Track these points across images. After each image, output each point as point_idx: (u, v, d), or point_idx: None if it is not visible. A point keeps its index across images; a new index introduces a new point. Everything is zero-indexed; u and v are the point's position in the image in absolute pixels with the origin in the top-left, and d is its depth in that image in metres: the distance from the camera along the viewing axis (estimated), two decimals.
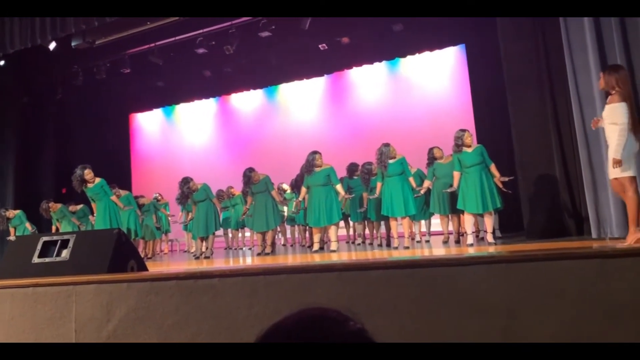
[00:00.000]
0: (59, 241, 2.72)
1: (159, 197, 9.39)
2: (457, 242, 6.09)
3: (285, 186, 8.54)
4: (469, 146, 5.46)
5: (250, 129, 11.64)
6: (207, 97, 12.01)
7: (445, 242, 6.29)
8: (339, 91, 10.89)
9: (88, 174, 6.44)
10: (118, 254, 2.58)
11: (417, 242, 6.65)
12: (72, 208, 8.37)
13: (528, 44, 5.62)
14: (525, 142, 5.65)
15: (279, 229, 8.01)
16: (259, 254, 6.58)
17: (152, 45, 9.50)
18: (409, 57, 9.97)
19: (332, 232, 6.01)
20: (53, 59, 9.36)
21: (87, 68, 9.92)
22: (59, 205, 8.21)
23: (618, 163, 3.45)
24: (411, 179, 5.89)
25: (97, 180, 6.53)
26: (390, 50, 9.71)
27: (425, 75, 9.95)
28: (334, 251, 5.80)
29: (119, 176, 10.64)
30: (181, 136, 12.48)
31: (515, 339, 1.74)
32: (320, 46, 9.63)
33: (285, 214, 8.26)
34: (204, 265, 5.47)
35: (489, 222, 5.41)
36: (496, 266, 1.89)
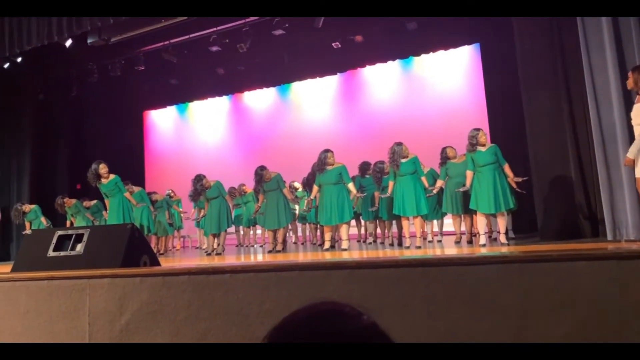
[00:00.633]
0: (74, 235, 2.76)
1: (172, 194, 9.47)
2: (470, 242, 6.04)
3: (297, 184, 8.55)
4: (483, 145, 5.41)
5: (262, 127, 11.68)
6: (220, 95, 12.07)
7: (458, 242, 6.25)
8: (352, 90, 10.87)
9: (103, 168, 6.50)
10: (131, 248, 2.61)
11: (429, 242, 6.61)
12: (86, 204, 8.47)
13: (544, 43, 5.55)
14: (540, 142, 5.59)
15: (290, 227, 8.03)
16: (270, 252, 6.60)
17: (166, 43, 9.56)
18: (423, 55, 9.92)
19: (343, 230, 6.00)
20: (69, 56, 9.47)
21: (102, 65, 10.02)
22: (74, 201, 8.31)
23: (631, 163, 3.40)
24: (423, 179, 5.85)
25: (112, 176, 6.60)
26: (404, 48, 9.67)
27: (439, 75, 9.89)
28: (345, 250, 5.80)
29: (133, 173, 10.75)
30: (194, 134, 12.56)
31: (528, 340, 1.72)
32: (333, 44, 9.61)
33: (297, 212, 8.28)
34: (215, 262, 5.50)
35: (502, 222, 5.36)
36: (509, 266, 1.87)
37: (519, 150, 6.95)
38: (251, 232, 9.42)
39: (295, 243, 9.10)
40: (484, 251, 4.84)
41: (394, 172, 5.84)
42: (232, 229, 8.77)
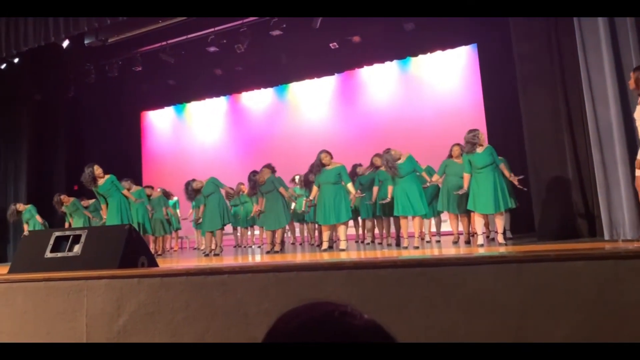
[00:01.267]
0: (71, 236, 2.75)
1: (170, 194, 9.45)
2: (468, 242, 6.05)
3: (297, 179, 8.59)
4: (481, 145, 5.42)
5: (260, 128, 11.67)
6: (218, 95, 12.06)
7: (455, 242, 6.25)
8: (350, 90, 10.87)
9: (97, 169, 6.48)
10: (129, 249, 2.60)
11: (427, 242, 6.62)
12: (84, 203, 8.45)
13: (541, 43, 5.56)
14: (537, 142, 5.61)
15: (288, 227, 8.02)
16: (268, 252, 6.59)
17: (164, 43, 9.56)
18: (420, 56, 9.93)
19: (341, 231, 6.00)
20: (66, 57, 9.46)
21: (99, 66, 10.01)
22: (72, 199, 8.28)
23: None
24: (424, 173, 5.85)
25: (107, 176, 6.58)
26: (402, 49, 9.68)
27: (436, 75, 9.90)
28: (343, 250, 5.80)
29: (130, 174, 10.66)
30: (192, 134, 12.55)
31: (526, 340, 1.72)
32: (331, 45, 9.62)
33: (292, 207, 8.18)
34: (213, 262, 5.50)
35: (500, 222, 5.36)
36: (507, 266, 1.87)
37: (516, 150, 6.97)
38: (249, 232, 9.42)
39: (293, 243, 9.09)
40: (482, 251, 4.85)
41: (393, 178, 5.83)
42: (229, 229, 8.77)
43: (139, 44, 9.55)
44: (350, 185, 6.07)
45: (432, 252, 5.54)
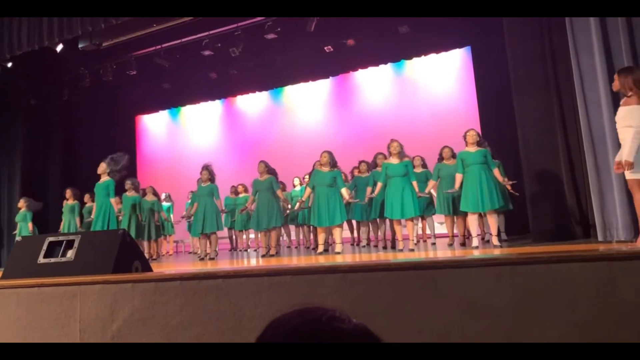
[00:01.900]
0: (64, 241, 2.73)
1: (164, 198, 9.41)
2: (463, 244, 6.06)
3: (297, 181, 8.62)
4: (472, 144, 5.46)
5: (255, 131, 11.67)
6: (212, 99, 12.05)
7: (451, 244, 6.27)
8: (345, 93, 10.89)
9: (101, 167, 6.58)
10: (123, 254, 2.59)
11: (423, 241, 6.62)
12: (86, 199, 8.42)
13: (534, 46, 5.60)
14: (531, 144, 5.64)
15: (283, 230, 7.99)
16: (263, 256, 6.58)
17: (158, 47, 9.55)
18: (414, 59, 9.97)
19: (336, 234, 6.01)
20: (60, 61, 9.43)
21: (93, 70, 9.99)
22: (76, 202, 8.24)
23: (630, 166, 3.42)
24: (414, 183, 5.84)
25: (108, 178, 6.64)
26: (396, 52, 9.71)
27: (431, 78, 9.94)
28: (338, 253, 5.80)
29: (125, 177, 10.67)
30: (187, 138, 12.52)
31: (520, 341, 1.73)
32: (325, 48, 9.64)
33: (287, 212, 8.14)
34: (208, 266, 5.48)
35: (493, 224, 5.38)
36: (502, 268, 1.87)
37: (511, 152, 7.00)
38: (244, 236, 9.40)
39: (289, 247, 9.08)
40: (476, 253, 4.86)
41: (386, 174, 5.85)
42: (225, 233, 8.75)
43: (134, 47, 9.54)
44: (343, 190, 6.08)
45: (427, 254, 5.55)
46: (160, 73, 10.42)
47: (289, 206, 7.85)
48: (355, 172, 7.38)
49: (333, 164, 6.12)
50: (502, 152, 7.01)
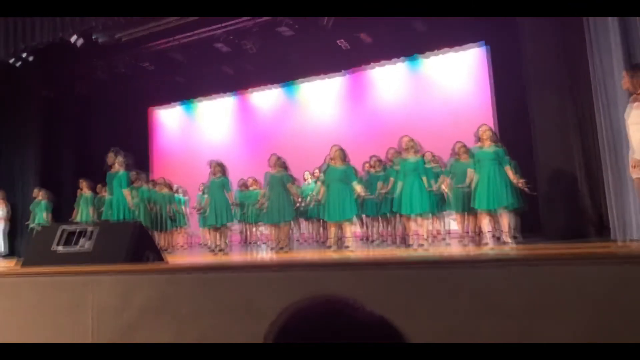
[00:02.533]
0: (80, 231, 2.77)
1: (178, 190, 9.47)
2: (475, 242, 6.02)
3: (307, 175, 8.63)
4: (485, 140, 5.41)
5: (269, 126, 11.67)
6: (226, 93, 12.07)
7: (462, 241, 6.23)
8: (359, 89, 10.85)
9: (110, 157, 6.65)
10: (136, 245, 2.62)
11: (435, 237, 6.59)
12: (98, 189, 8.52)
13: (552, 45, 5.53)
14: (546, 142, 5.57)
15: (293, 224, 8.01)
16: (273, 249, 6.60)
17: (174, 40, 9.58)
18: (430, 56, 9.89)
19: (347, 229, 6.00)
20: (75, 54, 9.51)
21: (108, 63, 10.05)
22: (90, 193, 8.34)
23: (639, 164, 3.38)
24: (424, 179, 5.81)
25: (120, 170, 6.71)
26: (412, 48, 9.65)
27: (446, 74, 9.85)
28: (348, 247, 5.80)
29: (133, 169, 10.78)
30: (200, 132, 12.57)
31: (533, 341, 1.71)
32: (340, 44, 9.60)
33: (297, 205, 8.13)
34: (219, 259, 5.52)
35: (505, 221, 5.33)
36: (516, 267, 1.86)
37: (526, 151, 6.91)
38: (255, 229, 9.43)
39: (298, 241, 9.10)
40: (490, 252, 4.82)
41: (399, 170, 5.83)
42: (236, 226, 8.78)
43: (149, 41, 9.58)
44: (355, 184, 6.07)
45: (439, 251, 5.52)
46: (174, 67, 10.47)
47: (300, 200, 7.84)
48: (367, 167, 7.35)
49: (345, 158, 6.11)
50: (517, 150, 6.92)
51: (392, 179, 5.91)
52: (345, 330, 0.62)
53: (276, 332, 0.66)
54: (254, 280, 2.07)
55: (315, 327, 0.63)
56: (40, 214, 8.62)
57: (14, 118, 9.77)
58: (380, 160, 7.02)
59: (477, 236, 6.21)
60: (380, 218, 7.06)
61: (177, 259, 6.58)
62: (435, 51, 9.79)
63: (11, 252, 9.40)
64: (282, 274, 2.04)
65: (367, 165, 7.37)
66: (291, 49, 9.71)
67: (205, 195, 7.18)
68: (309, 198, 7.11)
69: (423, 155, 6.28)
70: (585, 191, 5.25)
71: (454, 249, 5.81)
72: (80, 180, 8.42)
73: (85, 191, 8.35)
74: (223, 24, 9.02)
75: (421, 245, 5.62)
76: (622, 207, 4.54)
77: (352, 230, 6.12)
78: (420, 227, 5.80)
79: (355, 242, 6.21)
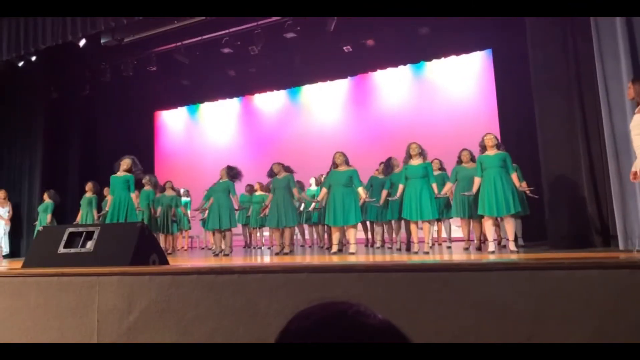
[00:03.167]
0: (84, 233, 2.77)
1: (183, 193, 9.49)
2: (479, 249, 6.00)
3: (312, 180, 8.63)
4: (491, 148, 5.43)
5: (272, 130, 11.70)
6: (231, 96, 12.11)
7: (466, 248, 6.21)
8: (363, 94, 10.86)
9: (126, 163, 6.72)
10: (141, 247, 2.62)
11: (438, 245, 6.57)
12: (105, 191, 8.55)
13: (557, 49, 5.51)
14: (551, 149, 5.55)
15: (297, 229, 8.00)
16: (277, 254, 6.60)
17: (179, 44, 9.63)
18: (434, 60, 9.89)
19: (351, 234, 5.99)
20: (82, 56, 9.57)
21: (114, 65, 10.11)
22: (94, 195, 8.37)
23: None
24: (434, 185, 5.80)
25: (127, 173, 6.75)
26: (416, 53, 9.66)
27: (450, 80, 9.85)
28: (352, 253, 5.78)
29: (143, 172, 10.81)
30: (205, 135, 12.61)
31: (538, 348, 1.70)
32: (344, 48, 9.62)
33: (301, 209, 8.15)
34: (223, 262, 5.51)
35: (510, 229, 5.32)
36: (520, 273, 1.85)
37: (530, 157, 6.90)
38: (258, 233, 9.43)
39: (302, 246, 9.09)
40: (493, 258, 4.80)
41: (405, 176, 5.82)
42: (239, 229, 8.79)
43: (154, 44, 9.63)
44: (361, 189, 6.06)
45: (442, 258, 5.50)
46: (179, 70, 10.52)
47: (303, 205, 7.84)
48: (375, 173, 7.35)
49: (348, 162, 6.12)
50: (522, 156, 6.93)
51: (401, 186, 5.89)
52: (356, 337, 0.62)
53: (286, 337, 0.65)
54: (258, 283, 2.06)
55: (326, 332, 0.62)
56: (44, 216, 8.67)
57: (21, 119, 9.82)
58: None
59: (481, 243, 6.19)
60: (383, 223, 7.04)
61: (181, 261, 6.59)
62: (442, 58, 9.80)
63: (15, 253, 9.43)
64: (287, 277, 2.04)
65: (376, 172, 7.37)
66: (295, 52, 9.74)
67: (210, 198, 7.19)
68: (312, 205, 7.12)
69: (432, 162, 6.29)
70: (592, 199, 5.22)
71: (459, 255, 5.78)
72: (87, 183, 8.47)
73: (89, 193, 8.39)
74: (228, 28, 9.07)
75: (426, 253, 5.61)
76: (629, 215, 4.51)
77: (356, 235, 6.11)
78: (425, 233, 5.79)
79: (358, 247, 6.19)
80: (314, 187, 8.60)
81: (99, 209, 8.50)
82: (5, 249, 9.21)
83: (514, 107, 8.16)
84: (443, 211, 6.58)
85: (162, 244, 8.07)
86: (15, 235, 9.54)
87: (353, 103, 10.97)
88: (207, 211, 7.23)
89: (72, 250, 2.70)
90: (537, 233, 6.68)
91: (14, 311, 2.37)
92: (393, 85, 10.44)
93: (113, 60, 10.05)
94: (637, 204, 4.42)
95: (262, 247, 9.21)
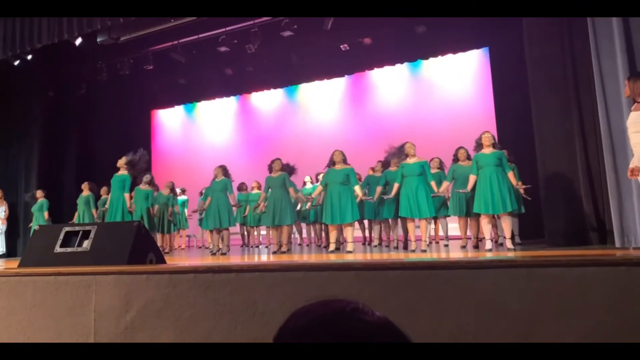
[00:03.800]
0: (81, 232, 2.76)
1: (179, 192, 9.48)
2: (476, 247, 6.01)
3: (307, 178, 8.62)
4: (487, 147, 5.44)
5: (270, 128, 11.69)
6: (228, 95, 12.09)
7: (464, 246, 6.22)
8: (360, 92, 10.86)
9: (120, 161, 6.69)
10: (138, 246, 2.61)
11: (435, 243, 6.59)
12: (103, 190, 8.54)
13: (554, 48, 5.52)
14: (548, 147, 5.56)
15: (294, 228, 8.00)
16: (274, 252, 6.59)
17: (175, 42, 9.60)
18: (431, 59, 9.90)
19: (348, 232, 5.99)
20: (78, 55, 9.54)
21: (111, 64, 10.08)
22: (90, 193, 8.36)
23: None
24: (432, 183, 5.82)
25: (126, 173, 6.74)
26: (413, 52, 9.66)
27: (447, 78, 9.86)
28: (350, 252, 5.79)
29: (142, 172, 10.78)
30: (201, 133, 12.59)
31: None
32: (341, 46, 9.62)
33: (298, 208, 8.15)
34: (220, 261, 5.51)
35: (507, 227, 5.33)
36: (517, 271, 1.85)
37: (527, 155, 6.92)
38: (255, 232, 9.43)
39: (300, 244, 9.09)
40: (490, 256, 4.81)
41: (401, 174, 5.83)
42: (236, 228, 8.78)
43: (151, 42, 9.61)
44: (357, 188, 6.07)
45: (439, 256, 5.51)
46: (176, 68, 10.49)
47: (300, 204, 7.83)
48: (370, 172, 7.37)
49: (345, 161, 6.13)
50: (518, 155, 6.94)
51: (396, 184, 5.90)
52: (354, 334, 0.62)
53: (284, 335, 0.65)
54: (255, 282, 2.06)
55: (324, 330, 0.62)
56: (40, 215, 8.64)
57: (17, 118, 9.79)
58: (383, 164, 7.03)
59: (478, 241, 6.20)
60: (380, 222, 7.05)
61: (178, 260, 6.58)
62: (439, 56, 9.80)
63: (11, 252, 9.40)
64: (284, 276, 2.04)
65: (371, 170, 7.39)
66: (292, 51, 9.73)
67: (208, 197, 7.16)
68: (308, 204, 7.12)
69: (431, 160, 6.30)
70: (588, 196, 5.24)
71: (456, 253, 5.79)
72: (84, 183, 8.46)
73: (85, 192, 8.37)
74: (225, 27, 9.05)
75: (424, 251, 5.62)
76: (626, 213, 4.52)
77: (353, 234, 6.11)
78: (422, 231, 5.80)
79: (355, 246, 6.20)
80: (309, 186, 8.59)
81: (97, 208, 8.49)
82: (2, 249, 9.17)
83: (511, 105, 8.18)
84: (440, 209, 6.59)
85: (159, 243, 8.06)
86: (11, 234, 9.51)
87: (350, 101, 10.97)
88: (204, 211, 7.23)
89: (69, 249, 2.69)
90: (534, 231, 6.70)
91: (11, 311, 2.36)
92: (390, 83, 10.45)
93: (109, 59, 10.02)
94: (634, 202, 4.43)
95: (260, 246, 9.21)
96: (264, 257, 6.63)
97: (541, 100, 5.63)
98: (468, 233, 6.37)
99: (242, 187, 9.26)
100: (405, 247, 6.23)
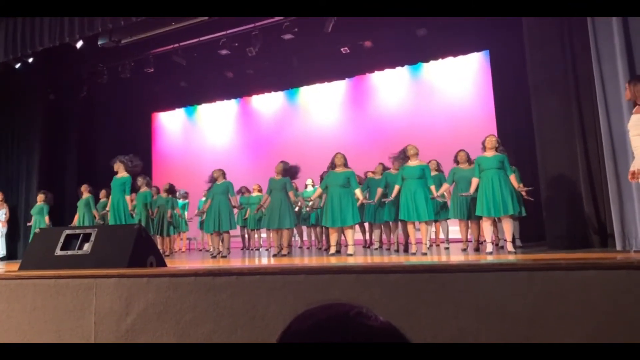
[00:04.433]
0: (81, 235, 2.76)
1: (180, 195, 9.47)
2: (477, 250, 6.00)
3: (309, 181, 8.62)
4: (490, 149, 5.44)
5: (270, 131, 11.69)
6: (228, 98, 12.10)
7: (464, 249, 6.21)
8: (361, 95, 10.86)
9: (115, 165, 6.71)
10: (138, 249, 2.61)
11: (436, 246, 6.58)
12: (102, 194, 8.54)
13: (554, 50, 5.52)
14: (549, 150, 5.56)
15: (295, 231, 7.99)
16: (274, 255, 6.59)
17: (176, 45, 9.61)
18: (432, 62, 9.90)
19: (349, 235, 5.99)
20: (79, 58, 9.55)
21: (112, 67, 10.09)
22: (89, 195, 8.36)
23: None
24: (432, 187, 5.80)
25: (126, 175, 6.75)
26: (413, 54, 9.66)
27: (448, 81, 9.87)
28: (350, 255, 5.78)
29: (140, 174, 10.78)
30: (202, 136, 12.60)
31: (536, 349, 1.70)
32: (342, 49, 9.62)
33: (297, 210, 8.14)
34: (221, 264, 5.50)
35: (508, 230, 5.33)
36: (518, 274, 1.85)
37: (528, 157, 6.92)
38: (256, 235, 9.42)
39: (300, 247, 9.08)
40: (491, 259, 4.81)
41: (402, 176, 5.83)
42: (237, 231, 8.77)
43: (152, 45, 9.62)
44: (358, 191, 6.07)
45: (440, 259, 5.51)
46: (177, 71, 10.50)
47: (299, 206, 7.82)
48: (369, 174, 7.37)
49: (346, 164, 6.13)
50: (519, 157, 6.94)
51: (396, 186, 5.90)
52: (358, 338, 0.62)
53: (287, 338, 0.65)
54: (256, 285, 2.06)
55: (327, 334, 0.62)
56: (41, 218, 8.63)
57: (18, 121, 9.80)
58: (384, 166, 7.03)
59: (479, 244, 6.20)
60: (381, 225, 7.04)
61: (179, 263, 6.57)
62: (439, 59, 9.81)
63: (12, 255, 9.40)
64: (285, 279, 2.04)
65: (371, 173, 7.38)
66: (293, 53, 9.74)
67: (208, 200, 7.16)
68: (308, 207, 7.12)
69: (429, 163, 6.29)
70: (589, 199, 5.23)
71: (456, 256, 5.79)
72: (82, 186, 8.47)
73: (85, 195, 8.37)
74: (226, 30, 9.06)
75: (424, 254, 5.61)
76: (627, 216, 4.52)
77: (354, 237, 6.11)
78: (422, 234, 5.79)
79: (356, 249, 6.19)
80: (310, 189, 8.59)
81: (96, 210, 8.49)
82: (2, 251, 9.17)
83: (511, 108, 8.18)
84: (440, 212, 6.59)
85: (159, 246, 8.05)
86: (12, 237, 9.51)
87: (351, 104, 10.97)
88: (205, 213, 7.22)
89: (69, 252, 2.69)
90: (535, 234, 6.69)
91: (11, 314, 2.36)
92: (391, 86, 10.45)
93: (110, 62, 10.03)
94: (635, 205, 4.43)
95: (260, 249, 9.20)
96: (264, 260, 6.62)
97: (541, 102, 5.63)
98: (469, 236, 6.36)
99: (242, 190, 9.26)
100: (406, 250, 6.23)
